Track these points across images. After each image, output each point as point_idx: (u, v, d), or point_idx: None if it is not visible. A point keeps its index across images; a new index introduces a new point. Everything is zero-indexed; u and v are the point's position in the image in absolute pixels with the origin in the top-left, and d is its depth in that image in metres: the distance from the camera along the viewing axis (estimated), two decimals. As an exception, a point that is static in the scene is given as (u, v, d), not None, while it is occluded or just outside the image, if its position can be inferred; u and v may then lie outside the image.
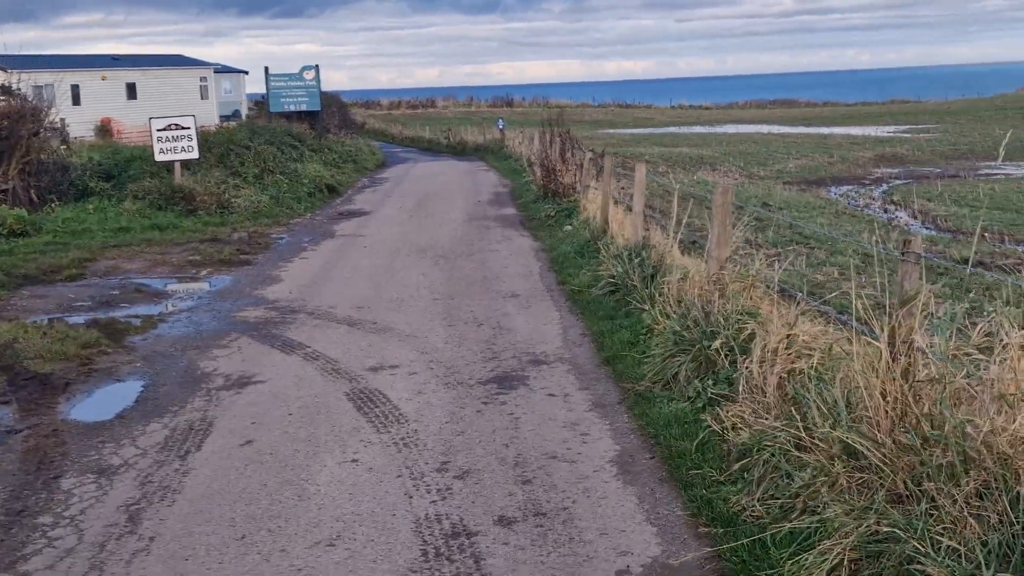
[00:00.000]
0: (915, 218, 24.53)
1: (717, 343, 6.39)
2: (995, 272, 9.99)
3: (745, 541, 4.26)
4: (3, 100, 16.73)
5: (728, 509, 4.60)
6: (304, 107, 34.20)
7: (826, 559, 3.74)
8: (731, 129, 58.56)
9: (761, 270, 7.32)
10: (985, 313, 7.06)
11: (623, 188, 17.82)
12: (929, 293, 4.38)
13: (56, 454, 6.01)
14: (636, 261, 9.76)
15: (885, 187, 32.00)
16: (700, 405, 6.11)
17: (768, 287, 7.21)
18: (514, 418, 6.45)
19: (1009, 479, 3.53)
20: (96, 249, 14.09)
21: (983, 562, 3.30)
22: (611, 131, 54.70)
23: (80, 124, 37.92)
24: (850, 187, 32.35)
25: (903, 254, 4.46)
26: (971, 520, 3.45)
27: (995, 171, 34.82)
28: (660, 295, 8.35)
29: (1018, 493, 3.46)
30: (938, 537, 3.47)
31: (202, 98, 47.56)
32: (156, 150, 18.87)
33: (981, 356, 4.09)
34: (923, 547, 3.46)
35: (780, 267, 7.17)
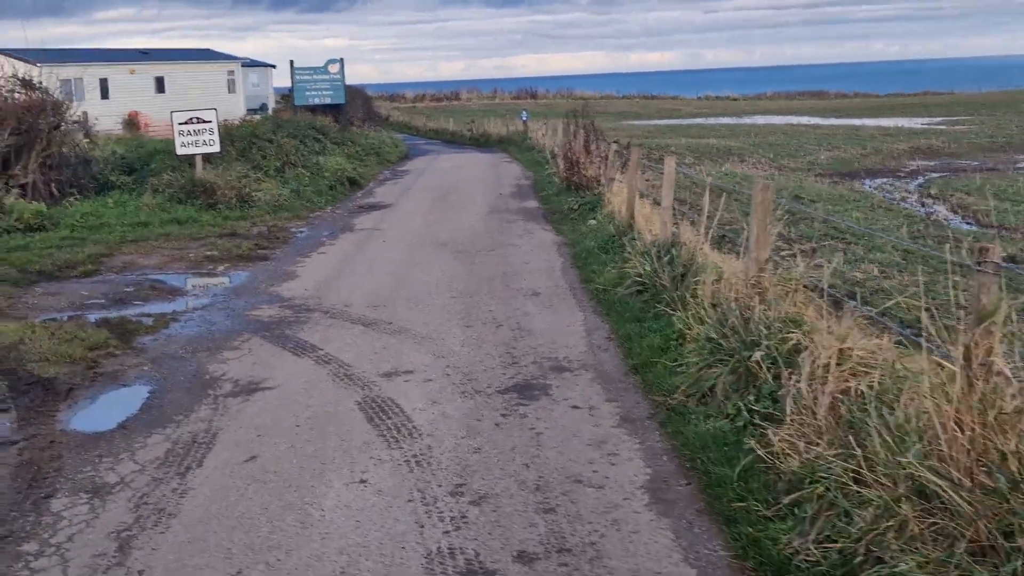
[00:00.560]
0: (954, 212, 23.75)
1: (758, 354, 5.88)
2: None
3: (798, 589, 3.78)
4: (23, 93, 16.48)
5: (779, 552, 4.10)
6: (328, 100, 33.93)
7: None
8: (760, 120, 57.55)
9: (805, 273, 6.78)
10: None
11: (647, 180, 17.28)
12: (1010, 308, 3.85)
13: (50, 469, 5.64)
14: (665, 259, 9.24)
15: (921, 180, 31.13)
16: (741, 424, 5.61)
17: (812, 291, 6.69)
18: (535, 433, 5.99)
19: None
20: (113, 244, 13.80)
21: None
22: (636, 122, 53.96)
23: (109, 117, 37.93)
24: (885, 180, 31.52)
25: (979, 264, 3.93)
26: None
27: (1035, 164, 33.80)
28: (692, 297, 7.84)
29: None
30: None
31: (229, 92, 47.46)
32: (178, 143, 18.57)
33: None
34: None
35: (827, 269, 6.62)
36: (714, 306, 7.11)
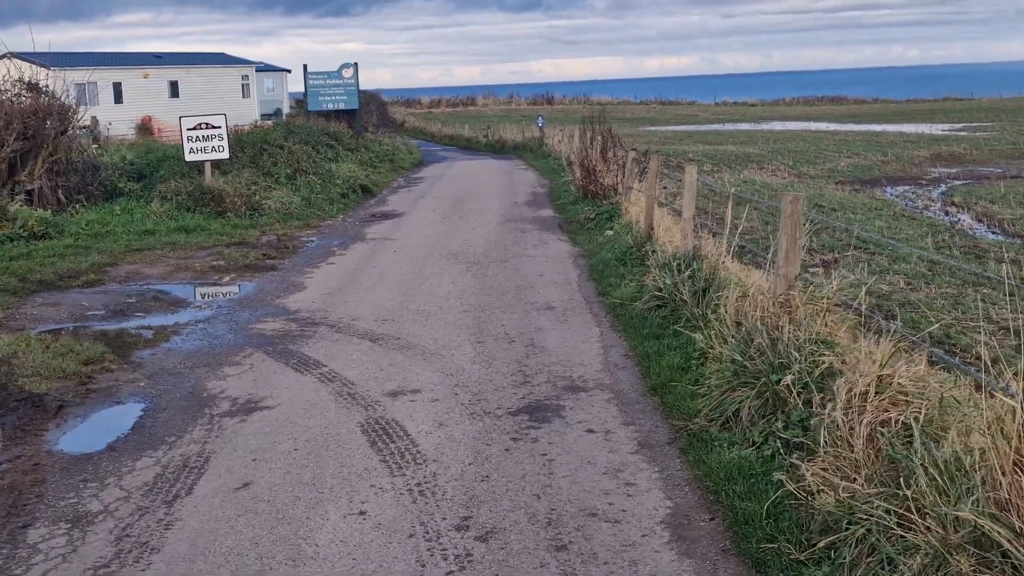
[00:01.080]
0: (979, 221, 23.19)
1: (788, 378, 5.48)
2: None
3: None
4: (29, 97, 16.24)
5: (814, 604, 3.72)
6: (342, 106, 33.58)
7: None
8: (778, 126, 56.98)
9: (838, 290, 6.37)
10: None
11: (664, 188, 16.85)
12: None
13: (31, 496, 5.31)
14: (686, 273, 8.84)
15: (944, 188, 30.53)
16: (768, 453, 5.22)
17: (846, 308, 6.29)
18: (547, 460, 5.61)
19: None
20: (118, 253, 13.52)
21: None
22: (653, 128, 53.49)
23: (122, 122, 37.91)
24: (906, 187, 30.94)
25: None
26: None
27: (1061, 172, 33.13)
28: (714, 314, 7.45)
29: None
30: None
31: (244, 96, 47.43)
32: (186, 150, 18.33)
33: None
34: None
35: (862, 289, 6.21)
36: (738, 324, 6.71)
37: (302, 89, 35.12)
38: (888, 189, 30.15)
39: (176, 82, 44.50)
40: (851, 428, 4.60)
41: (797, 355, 5.56)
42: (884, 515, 3.79)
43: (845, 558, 3.83)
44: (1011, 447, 3.38)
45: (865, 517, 3.89)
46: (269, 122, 32.98)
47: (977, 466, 3.56)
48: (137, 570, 4.39)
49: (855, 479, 4.43)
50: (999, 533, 3.18)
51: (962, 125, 54.64)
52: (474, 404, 6.69)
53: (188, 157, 18.28)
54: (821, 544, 4.04)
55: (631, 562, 4.32)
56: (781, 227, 6.50)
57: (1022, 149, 40.98)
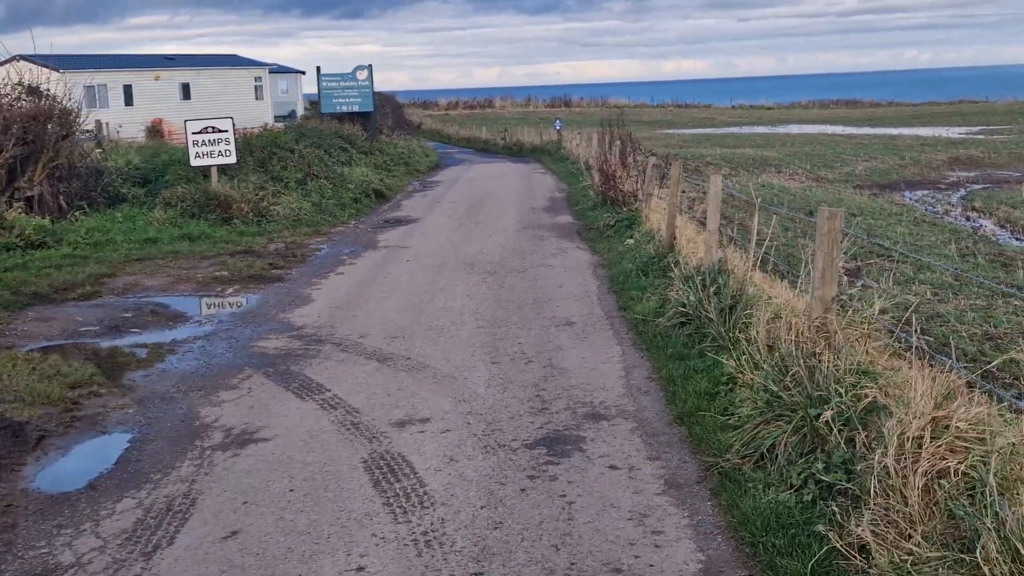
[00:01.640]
0: (1001, 227, 22.55)
1: (828, 413, 4.98)
2: None
3: None
4: (29, 101, 15.86)
5: None
6: (356, 108, 33.07)
7: None
8: (794, 129, 56.24)
9: (880, 315, 5.85)
10: None
11: (683, 192, 16.29)
12: None
13: (0, 544, 4.87)
14: (711, 289, 8.33)
15: (963, 192, 29.86)
16: (809, 498, 4.72)
17: (888, 334, 5.77)
18: (567, 503, 5.13)
19: None
20: (117, 263, 13.10)
21: None
22: (670, 131, 52.89)
23: (132, 124, 37.60)
24: (925, 191, 30.28)
25: None
26: None
27: (1084, 176, 32.37)
28: (743, 335, 6.94)
29: None
30: None
31: (257, 98, 47.15)
32: (192, 154, 17.92)
33: None
34: None
35: (909, 308, 5.68)
36: (770, 349, 6.20)
37: (316, 91, 34.69)
38: (907, 193, 29.49)
39: (188, 84, 44.26)
40: (904, 478, 4.10)
41: (837, 387, 5.05)
42: (954, 589, 3.29)
43: (910, 640, 3.34)
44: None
45: (931, 590, 3.39)
46: (280, 124, 32.57)
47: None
48: (107, 638, 3.94)
49: (910, 536, 3.94)
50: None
51: (979, 128, 53.75)
52: (488, 435, 6.21)
53: (194, 161, 17.87)
54: (880, 620, 3.54)
55: (661, 633, 3.83)
56: (816, 245, 6.00)
57: (1043, 152, 40.14)
